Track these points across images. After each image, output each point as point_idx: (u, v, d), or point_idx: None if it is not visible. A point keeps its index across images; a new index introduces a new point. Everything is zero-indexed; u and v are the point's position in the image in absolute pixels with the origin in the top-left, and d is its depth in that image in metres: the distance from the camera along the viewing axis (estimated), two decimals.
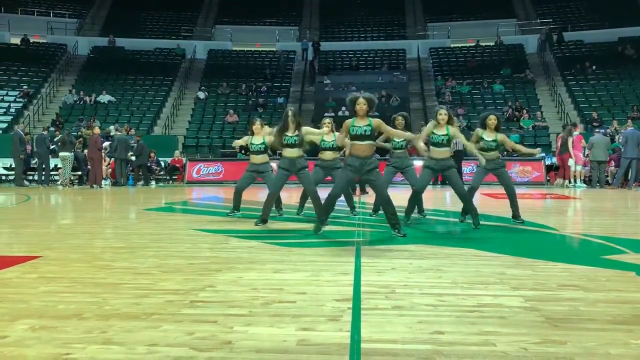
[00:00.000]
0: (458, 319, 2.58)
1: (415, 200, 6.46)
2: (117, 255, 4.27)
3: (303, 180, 6.28)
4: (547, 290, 3.14)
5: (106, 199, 11.30)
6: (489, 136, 6.28)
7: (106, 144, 16.63)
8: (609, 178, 15.12)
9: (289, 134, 6.20)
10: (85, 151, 15.94)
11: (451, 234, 5.82)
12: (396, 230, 5.25)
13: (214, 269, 3.69)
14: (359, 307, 2.77)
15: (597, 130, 16.29)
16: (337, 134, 6.15)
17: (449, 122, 5.97)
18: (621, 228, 6.28)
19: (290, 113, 6.24)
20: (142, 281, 3.37)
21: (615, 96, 22.28)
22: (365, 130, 5.13)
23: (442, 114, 5.94)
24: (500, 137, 6.31)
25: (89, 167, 15.52)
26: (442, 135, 5.90)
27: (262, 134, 6.95)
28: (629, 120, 16.73)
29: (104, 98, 23.82)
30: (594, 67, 24.09)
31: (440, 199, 11.01)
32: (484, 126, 6.35)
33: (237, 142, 7.48)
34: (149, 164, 16.96)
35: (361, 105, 5.14)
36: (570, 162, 14.58)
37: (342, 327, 2.44)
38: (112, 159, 16.49)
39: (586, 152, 14.86)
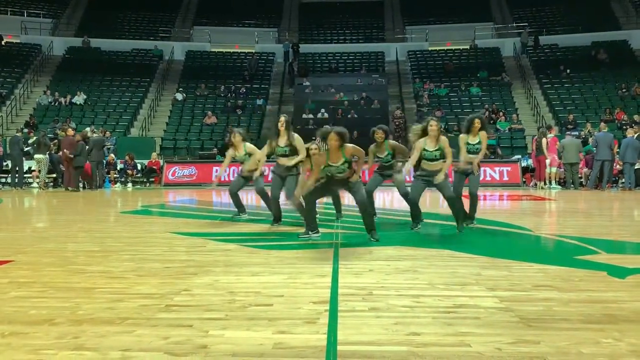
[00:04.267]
0: (434, 320, 2.59)
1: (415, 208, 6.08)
2: (92, 259, 4.20)
3: (286, 185, 6.26)
4: (522, 290, 3.18)
5: (81, 201, 11.11)
6: (473, 140, 6.11)
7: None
8: (582, 180, 15.41)
9: (281, 144, 6.16)
10: (60, 153, 15.64)
11: (429, 235, 5.86)
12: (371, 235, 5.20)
13: (191, 273, 3.66)
14: (335, 309, 2.77)
15: (569, 133, 16.59)
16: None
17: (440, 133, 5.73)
18: (594, 229, 6.39)
19: (282, 120, 6.18)
20: (117, 285, 3.32)
21: (588, 99, 22.75)
22: (341, 170, 5.03)
23: (433, 125, 5.65)
24: (483, 137, 6.12)
25: (63, 169, 15.24)
26: (435, 150, 5.65)
27: (241, 148, 6.88)
28: (602, 123, 17.10)
29: (80, 99, 23.45)
30: (568, 71, 24.55)
31: (435, 201, 11.07)
32: (468, 130, 6.14)
33: (224, 166, 7.48)
34: (126, 167, 16.76)
35: (332, 142, 4.90)
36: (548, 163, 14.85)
37: (319, 329, 2.44)
38: (87, 162, 16.20)
39: (559, 155, 15.12)
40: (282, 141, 6.18)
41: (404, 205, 6.88)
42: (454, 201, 5.77)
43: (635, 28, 26.92)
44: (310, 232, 5.28)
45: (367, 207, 5.23)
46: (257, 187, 6.76)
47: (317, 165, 5.06)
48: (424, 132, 5.78)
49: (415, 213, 6.00)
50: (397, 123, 22.10)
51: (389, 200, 11.18)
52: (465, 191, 6.19)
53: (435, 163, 5.68)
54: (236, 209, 7.14)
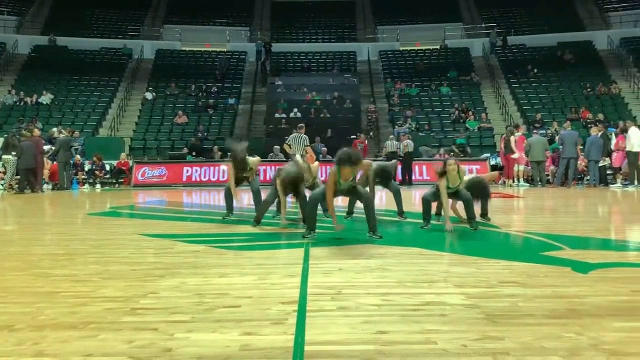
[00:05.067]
0: (402, 318, 2.61)
1: (427, 206, 6.12)
2: (56, 263, 4.10)
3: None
4: (488, 287, 3.22)
5: (48, 203, 10.86)
6: (453, 184, 5.78)
7: (47, 147, 15.99)
8: (549, 177, 15.75)
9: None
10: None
11: (400, 234, 5.90)
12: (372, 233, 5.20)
13: (158, 275, 3.60)
14: (304, 309, 2.76)
15: (535, 131, 16.95)
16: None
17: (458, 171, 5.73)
18: (560, 225, 6.53)
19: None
20: (81, 289, 3.24)
21: (555, 98, 23.27)
22: (350, 184, 5.22)
23: (451, 164, 5.67)
24: (463, 175, 5.92)
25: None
26: (457, 185, 5.76)
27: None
28: (567, 122, 17.51)
29: (46, 99, 22.91)
30: (535, 71, 25.07)
31: (406, 199, 11.15)
32: (443, 173, 5.73)
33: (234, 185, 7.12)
34: (94, 168, 16.45)
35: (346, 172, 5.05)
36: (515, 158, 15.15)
37: (287, 330, 2.43)
38: (54, 162, 15.87)
39: (527, 153, 15.43)
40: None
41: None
42: (469, 202, 5.81)
43: (598, 29, 27.66)
44: (312, 232, 5.27)
45: (374, 205, 5.31)
46: (253, 187, 6.85)
47: (330, 187, 5.14)
48: (442, 173, 5.71)
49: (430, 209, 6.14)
50: (369, 117, 22.26)
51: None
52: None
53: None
54: (226, 209, 7.07)
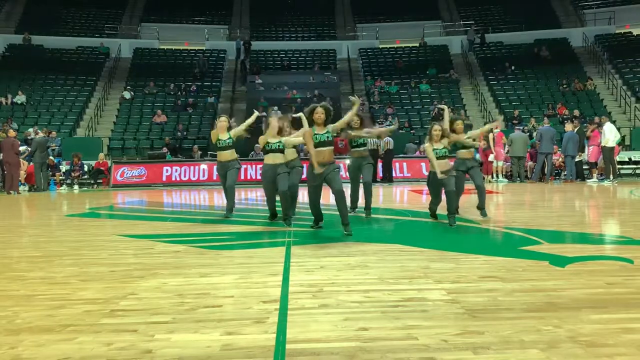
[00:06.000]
0: (383, 314, 2.62)
1: (455, 198, 6.21)
2: (33, 265, 4.03)
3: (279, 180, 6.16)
4: (468, 282, 3.26)
5: (25, 205, 10.67)
6: (438, 145, 6.11)
7: (23, 147, 15.69)
8: (527, 173, 15.96)
9: (272, 140, 6.12)
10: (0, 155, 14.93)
11: (380, 230, 5.92)
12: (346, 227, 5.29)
13: (137, 276, 3.56)
14: (286, 307, 2.76)
15: (518, 127, 17.14)
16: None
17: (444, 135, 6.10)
18: (538, 220, 6.62)
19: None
20: (59, 291, 3.19)
21: (532, 95, 23.56)
22: (327, 137, 5.39)
23: (437, 129, 6.07)
24: (453, 139, 6.29)
25: (4, 172, 14.55)
26: (442, 149, 6.05)
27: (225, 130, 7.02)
28: (545, 118, 17.76)
29: (21, 99, 22.47)
30: (512, 68, 25.36)
31: (387, 196, 11.20)
32: (431, 138, 6.15)
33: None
34: (72, 167, 16.17)
35: (319, 115, 5.45)
36: (491, 157, 15.30)
37: (268, 329, 2.42)
38: (30, 163, 15.58)
39: (506, 149, 15.59)
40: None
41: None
42: (451, 195, 5.97)
43: (574, 27, 28.09)
44: (319, 223, 5.74)
45: (344, 197, 5.32)
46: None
47: (308, 140, 5.38)
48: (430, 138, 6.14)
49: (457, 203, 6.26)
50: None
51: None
52: (471, 184, 6.63)
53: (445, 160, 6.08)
54: (228, 207, 7.04)
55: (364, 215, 6.91)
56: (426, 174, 6.73)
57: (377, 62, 27.76)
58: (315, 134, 5.38)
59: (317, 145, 5.36)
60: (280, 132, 6.19)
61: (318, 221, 5.78)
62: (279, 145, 6.08)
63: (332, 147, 5.49)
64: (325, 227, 5.79)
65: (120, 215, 8.42)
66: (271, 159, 6.09)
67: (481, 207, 6.51)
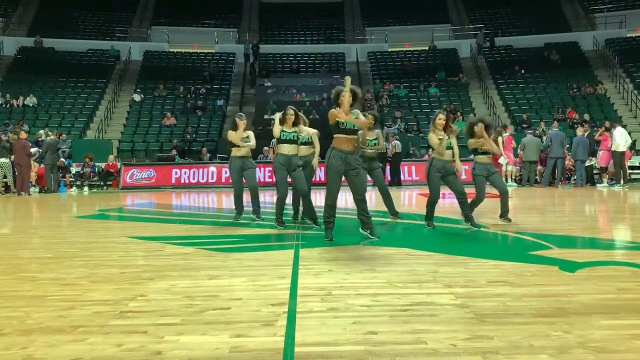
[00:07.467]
0: (391, 318, 2.62)
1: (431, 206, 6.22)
2: (44, 266, 4.07)
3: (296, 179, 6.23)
4: (477, 287, 3.24)
5: (35, 206, 10.76)
6: (440, 135, 6.04)
7: (34, 149, 15.84)
8: (537, 177, 15.88)
9: (287, 129, 6.16)
10: (12, 157, 15.09)
11: (389, 234, 5.91)
12: (368, 231, 5.20)
13: (147, 278, 3.58)
14: (294, 310, 2.76)
15: (530, 132, 17.06)
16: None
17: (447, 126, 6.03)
18: (547, 225, 6.59)
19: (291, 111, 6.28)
20: (69, 292, 3.22)
21: (542, 99, 23.46)
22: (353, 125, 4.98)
23: (441, 118, 6.02)
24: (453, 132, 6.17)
25: (16, 173, 14.70)
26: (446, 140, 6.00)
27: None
28: (555, 122, 17.67)
29: (32, 101, 22.67)
30: (522, 71, 25.27)
31: (395, 199, 11.20)
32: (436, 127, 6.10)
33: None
34: (84, 167, 16.30)
35: (346, 97, 5.01)
36: (502, 160, 15.23)
37: (277, 331, 2.43)
38: (41, 165, 15.73)
39: (518, 152, 15.54)
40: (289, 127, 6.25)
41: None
42: (463, 197, 6.09)
43: (584, 30, 27.95)
44: (331, 219, 5.34)
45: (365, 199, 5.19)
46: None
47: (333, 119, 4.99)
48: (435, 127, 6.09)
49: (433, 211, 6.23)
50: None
51: (350, 201, 11.23)
52: (494, 190, 6.70)
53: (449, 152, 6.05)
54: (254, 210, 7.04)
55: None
56: None
57: (386, 66, 27.76)
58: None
59: (342, 132, 5.02)
60: (295, 122, 6.21)
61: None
62: (293, 136, 6.14)
63: (356, 137, 5.20)
64: (335, 231, 5.78)
65: (130, 217, 8.47)
66: (286, 149, 6.14)
67: (504, 213, 6.47)
